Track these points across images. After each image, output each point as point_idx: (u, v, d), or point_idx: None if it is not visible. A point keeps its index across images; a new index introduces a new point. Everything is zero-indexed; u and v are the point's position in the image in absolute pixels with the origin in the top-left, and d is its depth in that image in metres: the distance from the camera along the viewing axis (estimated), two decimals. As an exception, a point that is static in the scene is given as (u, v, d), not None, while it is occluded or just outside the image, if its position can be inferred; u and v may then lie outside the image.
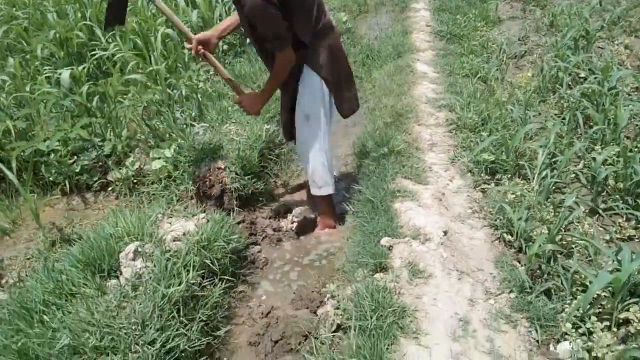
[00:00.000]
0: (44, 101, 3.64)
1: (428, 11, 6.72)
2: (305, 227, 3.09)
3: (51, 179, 3.55)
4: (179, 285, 2.27)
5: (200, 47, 2.82)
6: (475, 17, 6.08)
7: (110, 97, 3.71)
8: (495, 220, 2.71)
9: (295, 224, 3.04)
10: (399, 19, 6.57)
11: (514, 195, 2.79)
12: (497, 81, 4.50)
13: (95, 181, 3.57)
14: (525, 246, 2.51)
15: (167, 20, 3.31)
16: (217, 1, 5.44)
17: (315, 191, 2.99)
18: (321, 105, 2.80)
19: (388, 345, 1.90)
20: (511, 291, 2.26)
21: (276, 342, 2.31)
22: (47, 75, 4.12)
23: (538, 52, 5.01)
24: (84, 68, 3.91)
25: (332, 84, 2.79)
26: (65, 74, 3.61)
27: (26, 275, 2.81)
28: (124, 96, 3.98)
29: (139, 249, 2.46)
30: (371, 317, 1.99)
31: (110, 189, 3.59)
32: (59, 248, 3.03)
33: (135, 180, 3.56)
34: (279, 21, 2.45)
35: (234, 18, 2.93)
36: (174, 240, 2.63)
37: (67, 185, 3.53)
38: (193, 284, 2.34)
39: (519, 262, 2.49)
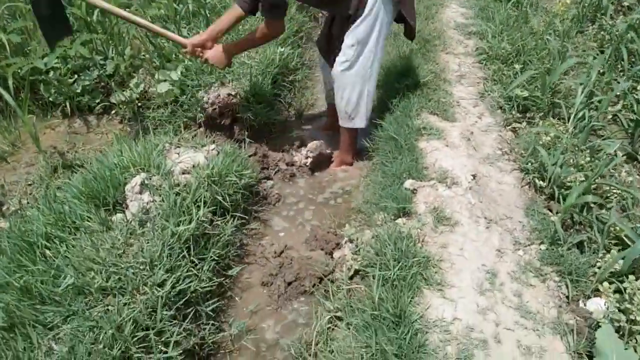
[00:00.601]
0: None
1: None
2: (320, 163, 2.92)
3: (51, 99, 3.33)
4: (190, 223, 2.13)
5: (197, 49, 2.63)
6: None
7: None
8: (527, 163, 2.52)
9: (309, 160, 2.86)
10: None
11: (548, 137, 2.58)
12: (532, 7, 4.12)
13: (98, 103, 3.35)
14: (559, 194, 2.35)
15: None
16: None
17: (345, 122, 2.77)
18: (378, 31, 2.54)
19: (411, 298, 1.79)
20: (542, 242, 2.12)
21: (290, 283, 2.22)
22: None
23: (579, -25, 4.56)
24: (81, -24, 3.55)
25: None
26: (60, -17, 3.27)
27: (27, 202, 2.69)
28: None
29: (146, 182, 2.31)
30: (394, 267, 1.87)
31: (113, 112, 3.38)
32: (61, 174, 2.88)
33: (139, 104, 3.34)
34: None
35: (228, 18, 2.63)
36: (182, 173, 2.47)
37: (68, 107, 3.32)
38: (204, 221, 2.21)
39: (551, 210, 2.33)
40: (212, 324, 2.00)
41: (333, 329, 2.00)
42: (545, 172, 2.42)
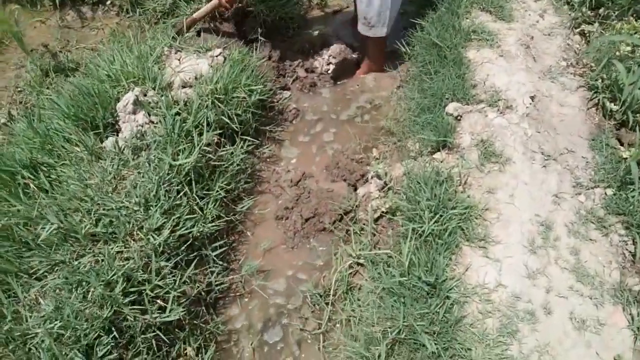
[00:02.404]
0: None
1: None
2: (344, 70, 2.49)
3: (37, -14, 2.88)
4: (190, 152, 1.83)
5: None
6: None
7: None
8: (597, 79, 2.06)
9: (332, 67, 2.44)
10: None
11: (628, 48, 2.08)
12: None
13: (91, -8, 2.89)
14: (634, 120, 1.93)
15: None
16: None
17: (364, 30, 2.29)
18: None
19: (448, 259, 1.51)
20: (608, 186, 1.76)
21: (307, 219, 1.96)
22: None
23: None
24: None
25: None
26: None
27: (17, 113, 2.40)
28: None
29: (140, 99, 1.97)
30: (429, 220, 1.56)
31: (109, 2, 2.92)
32: (53, 79, 2.55)
33: (138, -7, 2.86)
34: None
35: None
36: (183, 87, 2.11)
37: (58, -5, 2.87)
38: (208, 149, 1.90)
39: (621, 142, 1.93)
40: (221, 265, 1.80)
41: (354, 275, 1.78)
42: (620, 92, 1.98)
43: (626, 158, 1.80)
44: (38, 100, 2.39)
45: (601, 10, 2.40)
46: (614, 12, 2.36)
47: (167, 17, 2.75)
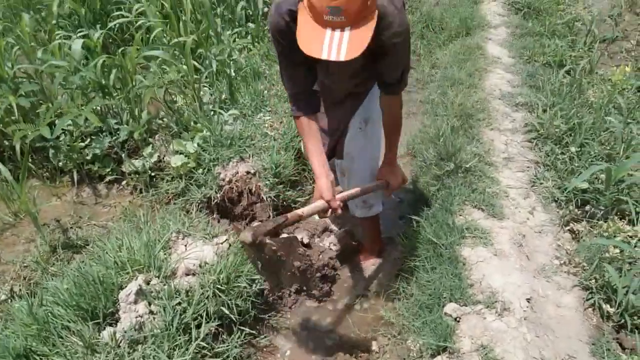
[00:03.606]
0: (53, 75, 3.14)
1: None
2: (344, 256, 2.57)
3: (60, 165, 3.12)
4: (187, 348, 1.81)
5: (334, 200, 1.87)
6: (556, -14, 5.19)
7: (129, 73, 3.19)
8: (590, 279, 2.12)
9: (333, 252, 2.52)
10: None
11: (616, 250, 2.17)
12: (586, 74, 3.74)
13: (108, 172, 3.11)
14: (632, 325, 1.93)
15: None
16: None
17: (362, 212, 2.39)
18: (378, 97, 2.12)
19: None
20: (616, 399, 1.71)
21: None
22: (65, 36, 3.59)
23: (637, 38, 4.19)
24: (100, 36, 3.35)
25: None
26: (76, 45, 3.07)
27: (19, 289, 2.42)
28: (145, 72, 3.44)
29: (143, 288, 2.00)
30: None
31: (124, 182, 3.13)
32: (60, 255, 2.62)
33: (152, 174, 3.08)
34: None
35: (312, 139, 1.94)
36: (186, 274, 2.16)
37: (78, 174, 3.09)
38: (204, 344, 1.88)
39: (622, 346, 1.92)
40: None
41: None
42: (614, 293, 2.02)
43: (629, 369, 1.77)
44: (42, 277, 2.43)
45: (587, 208, 2.56)
46: (599, 211, 2.52)
47: (177, 199, 2.92)
